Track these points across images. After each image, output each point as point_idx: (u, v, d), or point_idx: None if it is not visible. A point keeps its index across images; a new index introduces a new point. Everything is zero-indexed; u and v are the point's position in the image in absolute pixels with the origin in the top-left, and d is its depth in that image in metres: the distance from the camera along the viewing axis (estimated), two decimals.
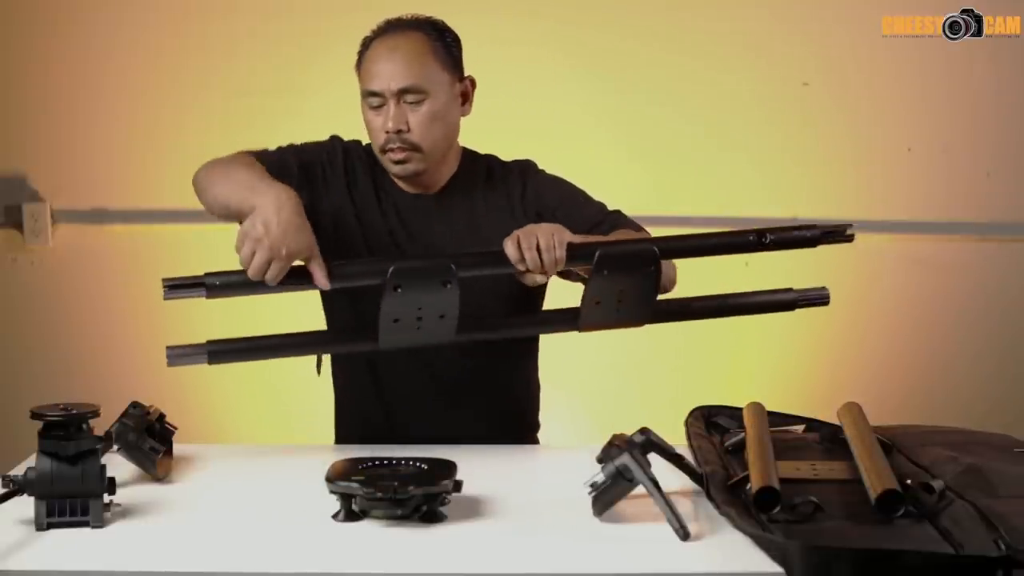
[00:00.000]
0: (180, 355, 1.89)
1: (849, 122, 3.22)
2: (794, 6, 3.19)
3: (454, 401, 2.19)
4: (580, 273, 1.98)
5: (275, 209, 1.84)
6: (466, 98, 2.18)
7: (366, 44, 2.13)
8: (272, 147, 2.16)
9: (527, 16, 3.14)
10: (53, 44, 3.17)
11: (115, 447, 1.84)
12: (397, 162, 2.11)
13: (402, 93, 2.08)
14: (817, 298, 2.10)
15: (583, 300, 1.95)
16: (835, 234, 2.02)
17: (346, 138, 2.21)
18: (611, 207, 2.20)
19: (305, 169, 2.14)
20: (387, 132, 2.08)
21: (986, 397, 3.17)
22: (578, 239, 1.93)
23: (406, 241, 2.16)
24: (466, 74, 2.18)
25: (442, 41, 2.13)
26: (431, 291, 1.88)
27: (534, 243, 1.89)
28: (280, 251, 1.82)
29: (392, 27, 2.13)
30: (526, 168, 2.24)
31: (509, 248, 1.90)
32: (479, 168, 2.23)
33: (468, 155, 2.24)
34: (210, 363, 1.90)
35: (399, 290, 1.86)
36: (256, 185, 1.92)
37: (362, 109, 2.12)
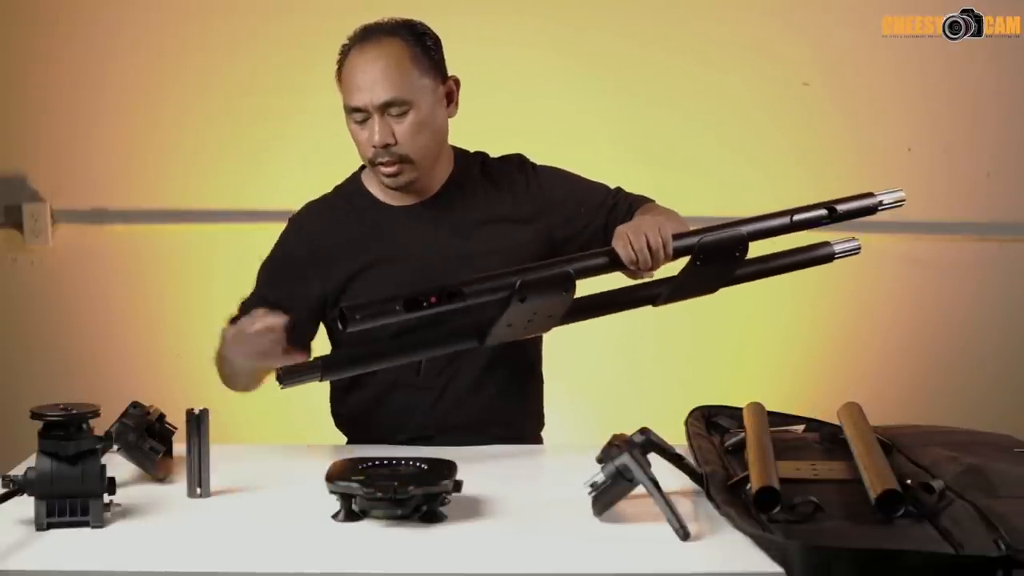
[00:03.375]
0: (292, 374, 1.94)
1: (849, 122, 3.21)
2: (794, 6, 3.19)
3: (464, 390, 2.18)
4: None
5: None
6: (451, 99, 2.15)
7: (344, 54, 2.11)
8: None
9: (527, 17, 3.14)
10: (53, 44, 3.17)
11: (115, 447, 1.84)
12: (388, 175, 2.11)
13: (385, 106, 2.06)
14: (851, 250, 2.15)
15: (674, 283, 2.00)
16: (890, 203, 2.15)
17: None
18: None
19: (279, 275, 2.20)
20: (375, 147, 2.08)
21: (986, 397, 3.17)
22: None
23: (403, 256, 2.16)
24: (450, 73, 2.16)
25: (421, 45, 2.10)
26: (550, 298, 1.92)
27: (645, 243, 1.93)
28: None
29: (369, 35, 2.10)
30: (522, 162, 2.24)
31: (622, 250, 1.94)
32: (473, 167, 2.22)
33: (460, 155, 2.23)
34: (322, 379, 1.98)
35: (524, 302, 1.89)
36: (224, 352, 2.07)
37: (347, 122, 2.11)
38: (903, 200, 2.15)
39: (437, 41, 2.15)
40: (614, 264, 1.97)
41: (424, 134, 2.09)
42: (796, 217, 2.07)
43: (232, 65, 3.16)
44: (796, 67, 3.19)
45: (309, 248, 2.19)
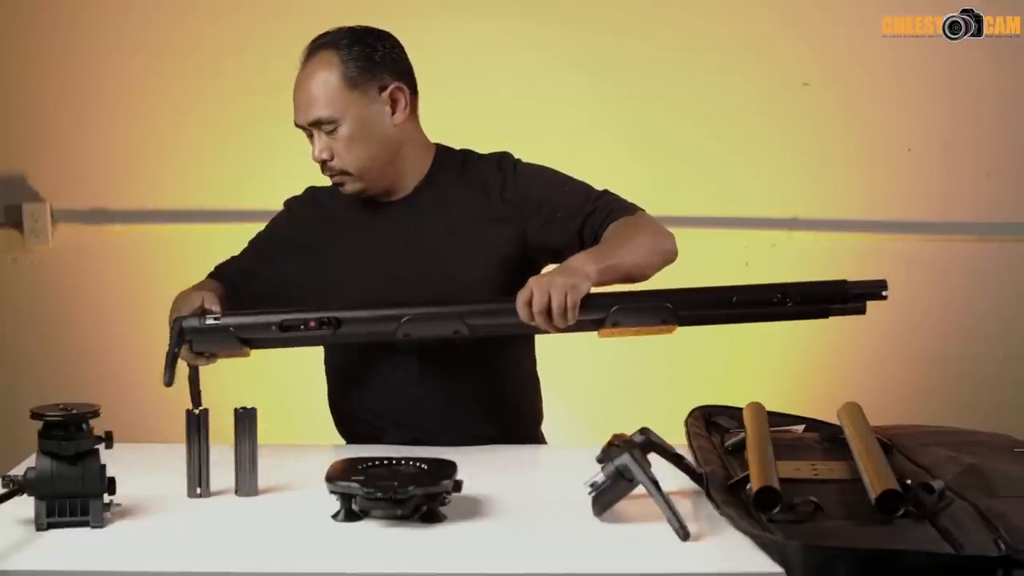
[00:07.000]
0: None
1: (849, 122, 3.21)
2: (794, 6, 3.19)
3: (442, 390, 2.16)
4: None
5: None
6: (396, 107, 2.12)
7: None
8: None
9: (527, 17, 3.13)
10: (53, 44, 3.17)
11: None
12: (337, 185, 2.15)
13: (316, 124, 2.09)
14: (876, 288, 1.96)
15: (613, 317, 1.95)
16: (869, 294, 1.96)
17: None
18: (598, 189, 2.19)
19: (262, 248, 2.25)
20: (317, 161, 2.12)
21: (986, 397, 3.17)
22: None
23: (379, 251, 2.17)
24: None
25: (358, 57, 2.09)
26: (439, 334, 1.94)
27: (545, 305, 1.86)
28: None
29: (310, 51, 2.13)
30: (503, 160, 2.20)
31: (521, 310, 1.88)
32: (452, 164, 2.20)
33: (441, 152, 2.21)
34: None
35: (409, 336, 1.92)
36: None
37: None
38: (885, 293, 1.95)
39: (382, 46, 2.12)
40: (513, 313, 1.89)
41: (359, 146, 2.09)
42: (737, 298, 1.95)
43: (232, 65, 3.16)
44: (796, 67, 3.19)
45: (292, 234, 2.24)
